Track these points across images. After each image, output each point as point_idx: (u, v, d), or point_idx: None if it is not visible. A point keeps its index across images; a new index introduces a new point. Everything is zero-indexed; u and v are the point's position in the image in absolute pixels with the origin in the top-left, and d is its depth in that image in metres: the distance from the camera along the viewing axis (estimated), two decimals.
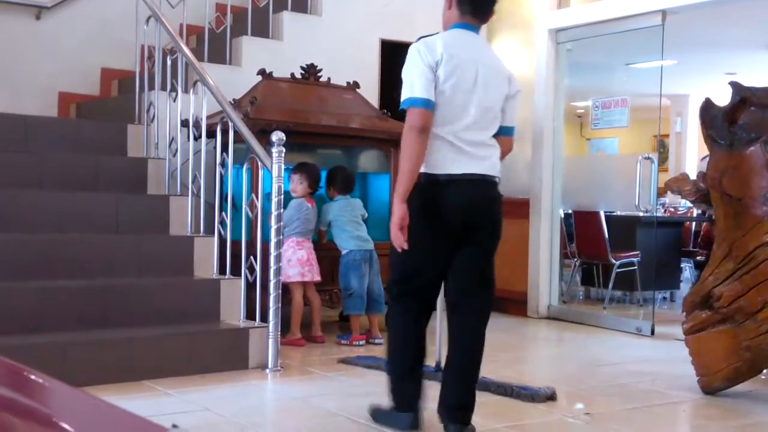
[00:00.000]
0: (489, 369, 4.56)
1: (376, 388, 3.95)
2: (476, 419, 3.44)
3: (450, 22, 3.21)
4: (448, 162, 3.07)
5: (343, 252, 5.07)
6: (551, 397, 3.90)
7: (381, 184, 5.58)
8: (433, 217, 3.05)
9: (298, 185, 5.04)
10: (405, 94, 3.06)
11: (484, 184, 3.13)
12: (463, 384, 3.17)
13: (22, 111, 5.44)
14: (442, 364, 3.51)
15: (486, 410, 3.62)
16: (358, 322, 5.06)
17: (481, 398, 3.85)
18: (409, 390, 3.22)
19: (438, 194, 3.06)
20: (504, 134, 3.24)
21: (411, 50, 3.12)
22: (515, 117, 3.30)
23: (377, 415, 3.37)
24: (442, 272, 3.18)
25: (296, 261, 4.94)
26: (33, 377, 1.14)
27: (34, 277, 4.12)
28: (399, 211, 2.99)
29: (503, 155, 3.25)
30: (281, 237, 4.35)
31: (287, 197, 4.78)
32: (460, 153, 3.08)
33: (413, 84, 3.04)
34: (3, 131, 4.91)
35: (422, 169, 3.06)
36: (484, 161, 3.12)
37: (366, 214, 5.26)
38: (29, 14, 6.09)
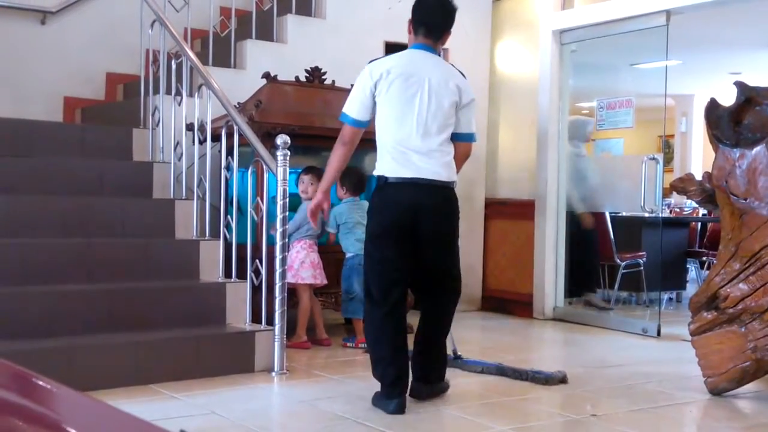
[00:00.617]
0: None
1: None
2: (484, 422, 3.44)
3: (410, 44, 3.70)
4: (397, 167, 3.52)
5: (348, 255, 5.06)
6: (563, 380, 4.19)
7: None
8: (387, 214, 3.53)
9: (309, 187, 5.00)
10: (344, 108, 3.65)
11: (430, 188, 3.52)
12: (430, 354, 3.70)
13: (27, 116, 5.46)
14: (458, 352, 4.46)
15: (493, 412, 3.62)
16: (362, 324, 5.05)
17: (490, 399, 3.85)
18: (390, 377, 3.55)
19: (389, 194, 3.53)
20: (459, 140, 3.64)
21: (362, 71, 3.62)
22: (472, 124, 3.68)
23: (373, 398, 3.64)
24: (404, 259, 3.56)
25: (309, 264, 4.94)
26: (40, 382, 1.14)
27: (40, 281, 4.13)
28: (319, 197, 3.67)
29: (460, 160, 3.66)
30: (287, 240, 4.36)
31: (294, 200, 4.78)
32: (407, 160, 3.50)
33: (351, 103, 3.61)
34: (8, 136, 4.92)
35: (378, 173, 3.59)
36: (431, 167, 3.51)
37: None
38: (34, 19, 6.11)
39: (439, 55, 3.73)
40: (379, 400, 3.59)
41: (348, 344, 5.03)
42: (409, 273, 3.58)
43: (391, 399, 3.51)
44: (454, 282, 3.73)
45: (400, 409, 3.49)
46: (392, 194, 3.51)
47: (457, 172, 3.68)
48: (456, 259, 3.74)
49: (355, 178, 5.17)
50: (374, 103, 3.57)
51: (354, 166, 5.32)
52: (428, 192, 3.50)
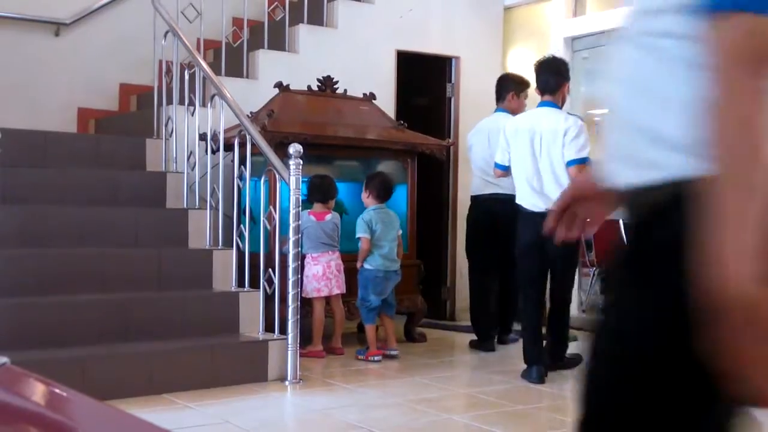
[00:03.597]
0: (507, 378, 4.55)
1: (397, 400, 3.94)
2: (498, 430, 3.43)
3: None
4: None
5: (367, 266, 4.96)
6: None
7: (398, 195, 5.58)
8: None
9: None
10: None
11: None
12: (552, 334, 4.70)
13: (41, 127, 5.49)
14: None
15: (507, 420, 3.61)
16: (373, 333, 4.97)
17: (504, 408, 3.84)
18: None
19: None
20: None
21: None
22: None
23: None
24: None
25: (312, 277, 4.94)
26: (56, 390, 1.15)
27: (55, 291, 4.15)
28: None
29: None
30: (299, 249, 4.36)
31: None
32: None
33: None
34: (23, 147, 4.95)
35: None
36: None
37: (401, 231, 5.15)
38: (48, 31, 6.15)
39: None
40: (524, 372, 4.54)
41: (359, 357, 4.94)
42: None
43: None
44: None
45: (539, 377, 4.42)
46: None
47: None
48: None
49: (379, 184, 5.06)
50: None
51: (381, 172, 5.30)
52: None
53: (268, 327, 4.42)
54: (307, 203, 4.98)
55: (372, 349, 4.94)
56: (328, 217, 5.06)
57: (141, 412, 1.25)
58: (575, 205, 1.47)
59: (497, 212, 5.14)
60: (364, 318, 5.06)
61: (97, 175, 4.99)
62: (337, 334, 5.10)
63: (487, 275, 5.36)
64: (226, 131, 4.79)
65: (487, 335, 5.34)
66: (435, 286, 6.48)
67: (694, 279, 0.98)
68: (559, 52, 6.50)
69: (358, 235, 4.99)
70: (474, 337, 5.44)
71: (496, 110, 5.51)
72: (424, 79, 6.75)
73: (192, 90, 5.02)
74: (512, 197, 4.71)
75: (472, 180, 5.54)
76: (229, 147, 4.80)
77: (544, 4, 6.66)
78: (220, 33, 5.86)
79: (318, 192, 5.05)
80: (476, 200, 5.43)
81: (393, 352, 5.00)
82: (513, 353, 5.37)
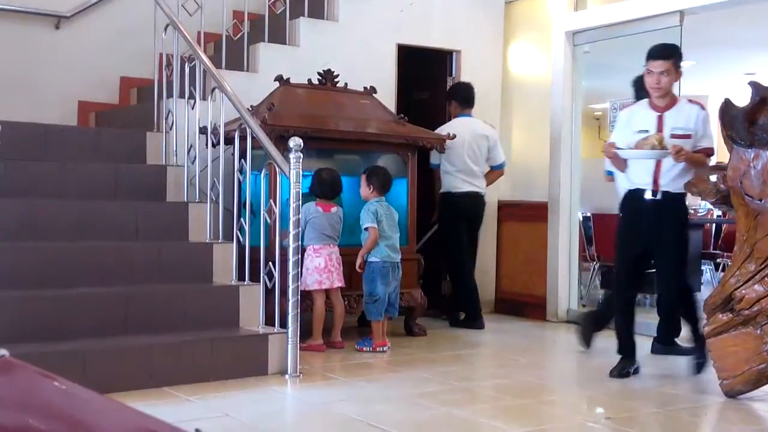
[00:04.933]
0: (507, 372, 4.55)
1: (397, 393, 3.95)
2: (498, 424, 3.44)
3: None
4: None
5: (373, 259, 5.01)
6: None
7: (399, 189, 5.58)
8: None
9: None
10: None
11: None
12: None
13: (42, 120, 5.48)
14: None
15: (508, 414, 3.61)
16: (380, 327, 5.03)
17: (504, 402, 3.84)
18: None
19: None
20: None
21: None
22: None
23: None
24: None
25: (313, 269, 4.94)
26: (57, 383, 1.15)
27: (55, 285, 4.15)
28: None
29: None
30: (299, 243, 4.36)
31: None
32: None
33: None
34: (23, 140, 4.94)
35: None
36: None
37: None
38: (49, 24, 6.14)
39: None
40: None
41: (365, 348, 4.99)
42: None
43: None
44: None
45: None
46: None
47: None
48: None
49: (382, 178, 5.14)
50: None
51: (381, 166, 5.31)
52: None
53: (268, 320, 4.42)
54: (308, 196, 4.99)
55: (378, 341, 4.95)
56: (334, 209, 5.08)
57: (141, 405, 1.26)
58: None
59: (473, 206, 6.07)
60: (372, 314, 5.01)
61: (97, 168, 4.99)
62: (337, 328, 5.10)
63: (466, 261, 6.15)
64: (226, 124, 4.79)
65: (476, 314, 6.00)
66: (435, 280, 6.48)
67: None
68: (560, 46, 6.50)
69: (366, 226, 5.01)
70: (454, 323, 6.11)
71: (467, 115, 6.12)
72: (425, 73, 6.74)
73: (192, 83, 5.01)
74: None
75: (447, 178, 6.06)
76: (229, 140, 4.80)
77: None
78: (220, 26, 5.85)
79: (325, 188, 5.06)
80: (452, 196, 6.04)
81: (385, 348, 5.00)
82: (512, 349, 5.38)
